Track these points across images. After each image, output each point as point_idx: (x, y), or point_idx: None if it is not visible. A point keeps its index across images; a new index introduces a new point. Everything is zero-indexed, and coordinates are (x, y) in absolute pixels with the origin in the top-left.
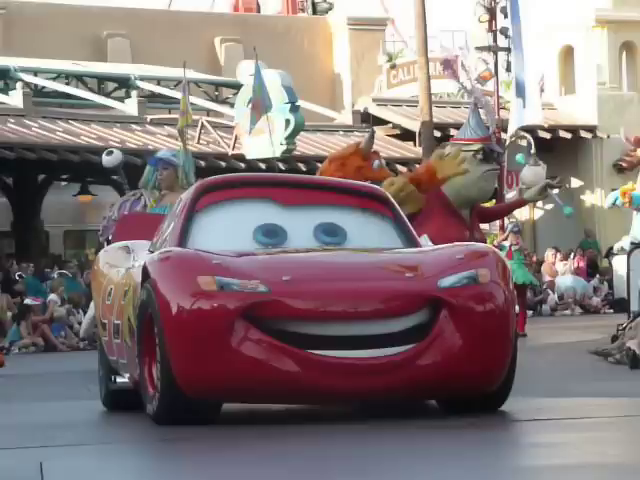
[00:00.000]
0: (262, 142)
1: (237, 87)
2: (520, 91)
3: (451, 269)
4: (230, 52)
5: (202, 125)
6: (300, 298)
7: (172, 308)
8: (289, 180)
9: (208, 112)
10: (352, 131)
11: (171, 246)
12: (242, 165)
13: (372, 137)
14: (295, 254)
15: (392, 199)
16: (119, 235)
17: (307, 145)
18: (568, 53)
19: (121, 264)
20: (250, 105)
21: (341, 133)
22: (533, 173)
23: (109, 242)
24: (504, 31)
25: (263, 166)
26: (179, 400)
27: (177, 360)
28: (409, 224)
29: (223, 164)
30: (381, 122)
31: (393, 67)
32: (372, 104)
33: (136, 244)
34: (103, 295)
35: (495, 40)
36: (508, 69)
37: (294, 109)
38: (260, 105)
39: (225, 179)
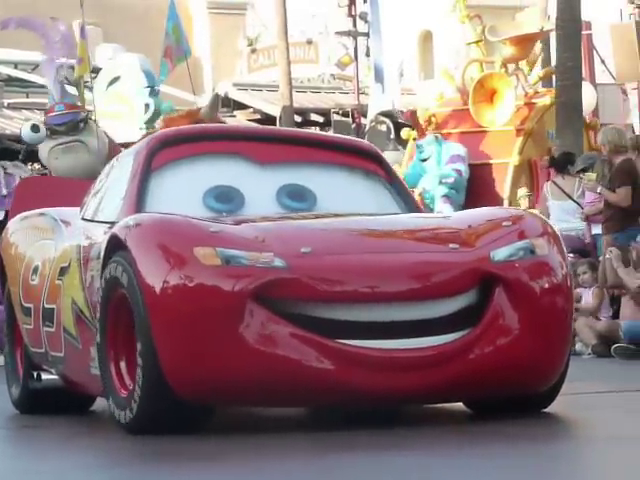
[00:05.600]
0: (121, 126)
1: (96, 71)
2: (379, 76)
3: (502, 239)
4: (89, 35)
5: None
6: (326, 275)
7: (160, 288)
8: (264, 133)
9: None
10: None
11: (128, 213)
12: None
13: (214, 103)
14: (308, 221)
15: (384, 156)
16: (21, 202)
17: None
18: (427, 38)
19: (47, 235)
20: (163, 51)
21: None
22: (393, 158)
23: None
24: (363, 16)
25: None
26: (167, 404)
27: (167, 355)
28: (406, 185)
29: None
30: (242, 106)
31: (254, 51)
32: (233, 88)
33: (61, 212)
34: (25, 273)
35: (355, 25)
36: (368, 54)
37: (153, 93)
38: (174, 50)
39: (185, 131)
